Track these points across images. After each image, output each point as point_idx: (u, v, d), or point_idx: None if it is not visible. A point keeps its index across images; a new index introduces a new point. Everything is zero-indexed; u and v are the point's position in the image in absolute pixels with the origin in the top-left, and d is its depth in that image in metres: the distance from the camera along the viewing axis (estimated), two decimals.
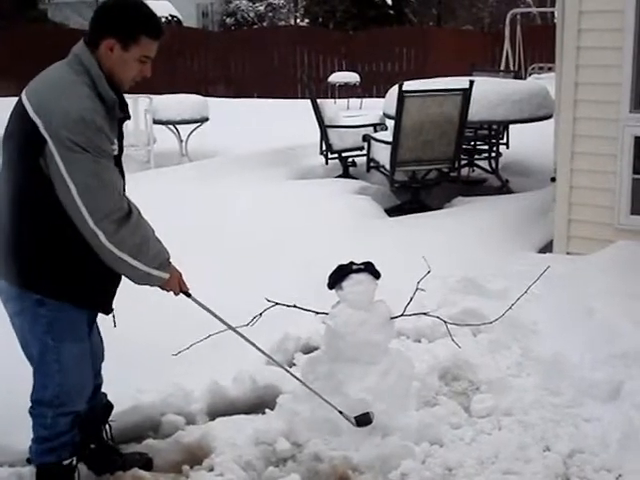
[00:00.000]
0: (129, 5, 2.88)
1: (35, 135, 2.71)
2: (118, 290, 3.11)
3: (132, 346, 3.48)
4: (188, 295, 3.13)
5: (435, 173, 7.94)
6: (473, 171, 9.29)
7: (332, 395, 3.58)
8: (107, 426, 3.43)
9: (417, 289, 3.91)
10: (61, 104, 2.71)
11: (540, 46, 17.70)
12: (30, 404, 3.06)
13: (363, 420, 3.50)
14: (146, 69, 2.93)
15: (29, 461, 3.19)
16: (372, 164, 8.10)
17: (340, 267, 3.72)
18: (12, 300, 2.96)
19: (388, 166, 7.64)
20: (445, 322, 4.00)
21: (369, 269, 3.70)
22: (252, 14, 30.37)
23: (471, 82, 7.45)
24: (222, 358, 4.06)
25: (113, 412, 3.42)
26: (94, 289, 2.99)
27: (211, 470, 3.38)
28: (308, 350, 4.35)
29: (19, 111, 2.80)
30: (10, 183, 2.85)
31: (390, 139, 7.56)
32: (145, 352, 3.42)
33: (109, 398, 3.41)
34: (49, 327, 2.94)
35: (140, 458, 3.46)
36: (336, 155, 9.17)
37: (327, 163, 9.29)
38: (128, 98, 3.11)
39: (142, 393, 3.61)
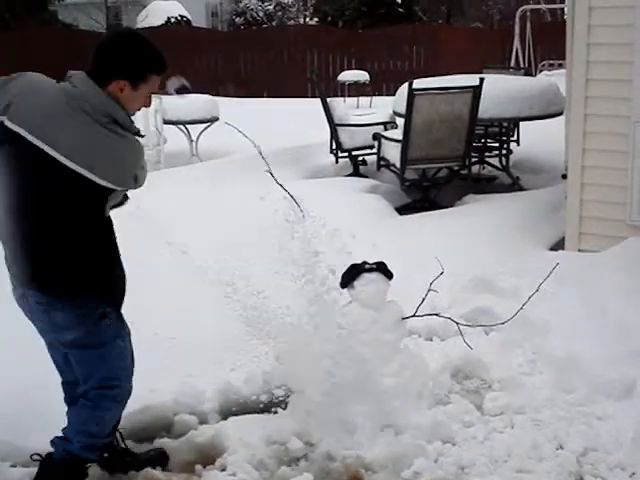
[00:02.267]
0: (138, 46, 2.93)
1: None
2: (127, 292, 3.09)
3: (143, 346, 3.48)
4: None
5: (446, 171, 7.92)
6: (484, 169, 9.25)
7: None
8: (117, 433, 3.41)
9: (429, 290, 3.90)
10: None
11: (550, 43, 17.60)
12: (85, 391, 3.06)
13: None
14: (148, 101, 3.08)
15: (45, 457, 3.16)
16: (382, 162, 8.08)
17: (352, 266, 3.72)
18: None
19: (398, 164, 7.62)
20: (457, 323, 3.99)
21: (381, 269, 3.70)
22: (261, 13, 30.37)
23: (481, 79, 7.43)
24: (234, 358, 4.07)
25: (124, 412, 3.41)
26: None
27: (223, 470, 3.39)
28: None
29: None
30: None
31: (400, 137, 7.55)
32: (157, 352, 3.43)
33: None
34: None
35: (155, 454, 3.47)
36: (346, 154, 9.14)
37: (337, 162, 9.27)
38: None
39: (154, 393, 3.61)
